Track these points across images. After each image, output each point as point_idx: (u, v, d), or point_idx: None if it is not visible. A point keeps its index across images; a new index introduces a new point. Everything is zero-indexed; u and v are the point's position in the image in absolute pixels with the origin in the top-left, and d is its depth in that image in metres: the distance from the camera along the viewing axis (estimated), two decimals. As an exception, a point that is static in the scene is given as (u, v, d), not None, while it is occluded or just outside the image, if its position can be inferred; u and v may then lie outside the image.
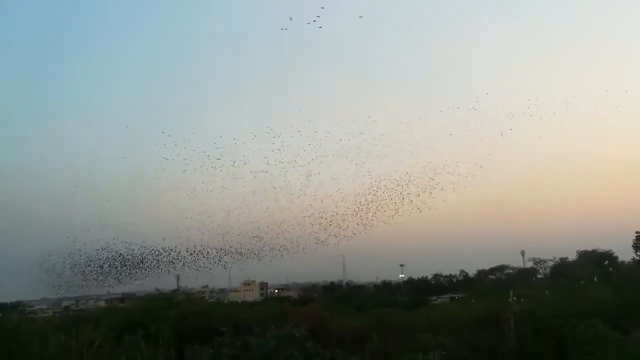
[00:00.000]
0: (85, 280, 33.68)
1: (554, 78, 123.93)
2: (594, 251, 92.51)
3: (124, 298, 53.29)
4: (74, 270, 33.68)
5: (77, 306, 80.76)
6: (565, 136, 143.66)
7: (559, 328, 20.06)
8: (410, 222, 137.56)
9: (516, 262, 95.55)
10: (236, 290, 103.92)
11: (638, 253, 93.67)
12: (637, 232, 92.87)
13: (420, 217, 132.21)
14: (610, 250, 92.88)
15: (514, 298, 23.65)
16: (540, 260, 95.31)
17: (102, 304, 62.69)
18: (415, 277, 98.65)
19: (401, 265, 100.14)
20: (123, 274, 34.46)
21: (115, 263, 33.87)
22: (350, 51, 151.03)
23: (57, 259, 33.26)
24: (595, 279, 69.48)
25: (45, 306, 79.62)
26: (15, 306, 68.14)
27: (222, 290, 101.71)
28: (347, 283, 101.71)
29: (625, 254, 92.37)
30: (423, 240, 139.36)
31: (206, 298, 63.45)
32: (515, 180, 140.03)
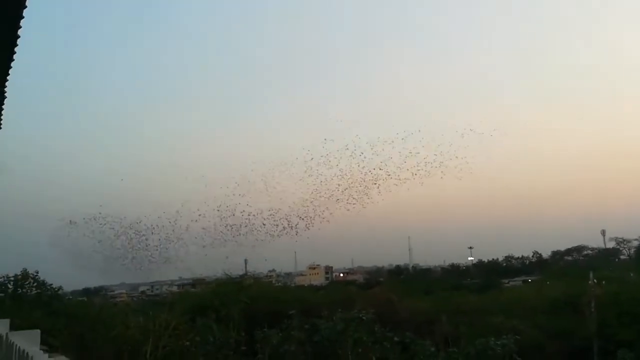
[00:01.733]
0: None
1: None
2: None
3: (194, 283, 55.47)
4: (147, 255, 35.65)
5: (152, 291, 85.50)
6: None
7: (646, 312, 18.74)
8: (479, 204, 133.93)
9: (596, 242, 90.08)
10: (302, 274, 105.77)
11: None
12: None
13: (489, 199, 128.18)
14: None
15: (595, 280, 22.23)
16: (624, 240, 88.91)
17: (174, 288, 65.80)
18: (485, 259, 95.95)
19: (470, 247, 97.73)
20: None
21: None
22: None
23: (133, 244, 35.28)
24: (686, 259, 64.30)
25: (123, 291, 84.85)
26: (98, 291, 73.28)
27: (288, 275, 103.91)
28: (413, 266, 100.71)
29: None
30: (493, 222, 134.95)
31: (273, 282, 64.95)
32: (593, 157, 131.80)
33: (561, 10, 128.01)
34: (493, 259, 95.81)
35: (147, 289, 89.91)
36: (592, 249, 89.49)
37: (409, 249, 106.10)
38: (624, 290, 21.68)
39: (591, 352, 19.23)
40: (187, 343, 16.76)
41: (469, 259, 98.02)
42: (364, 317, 17.09)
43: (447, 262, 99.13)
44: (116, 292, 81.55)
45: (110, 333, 16.14)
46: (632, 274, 36.14)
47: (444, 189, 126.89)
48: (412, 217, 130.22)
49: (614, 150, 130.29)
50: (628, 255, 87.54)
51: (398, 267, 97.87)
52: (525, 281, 62.32)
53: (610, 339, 18.49)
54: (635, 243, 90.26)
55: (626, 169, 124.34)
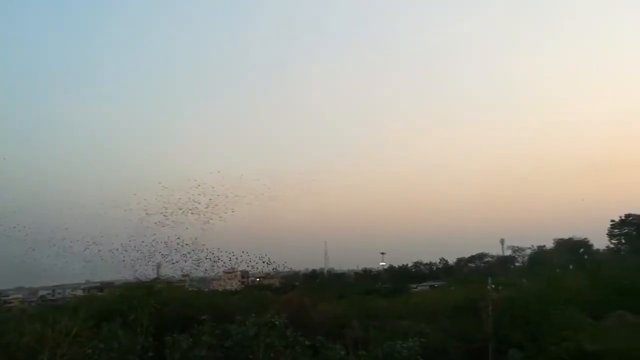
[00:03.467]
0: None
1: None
2: (570, 239, 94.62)
3: (102, 287, 52.56)
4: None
5: (53, 295, 79.60)
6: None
7: (535, 315, 20.43)
8: (392, 212, 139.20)
9: (496, 250, 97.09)
10: (217, 279, 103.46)
11: (612, 241, 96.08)
12: (612, 221, 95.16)
13: (401, 206, 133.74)
14: (586, 239, 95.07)
15: (493, 286, 23.96)
16: (519, 249, 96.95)
17: (79, 292, 61.80)
18: (396, 265, 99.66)
19: (382, 253, 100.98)
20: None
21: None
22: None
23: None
24: (571, 266, 70.97)
25: (20, 295, 78.26)
26: (-11, 295, 66.98)
27: (202, 279, 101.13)
28: (328, 271, 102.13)
29: (601, 242, 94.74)
30: (404, 229, 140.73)
31: (186, 286, 62.95)
32: (495, 170, 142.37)
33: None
34: (403, 265, 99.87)
35: (48, 294, 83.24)
36: (492, 257, 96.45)
37: (325, 254, 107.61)
38: (517, 295, 23.51)
39: (487, 353, 20.57)
40: (89, 350, 15.89)
41: (381, 264, 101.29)
42: (276, 322, 17.16)
43: (361, 267, 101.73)
44: (11, 296, 74.91)
45: (1, 340, 14.91)
46: (525, 280, 39.30)
47: (362, 196, 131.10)
48: (330, 223, 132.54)
49: (514, 163, 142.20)
50: (522, 263, 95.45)
51: (314, 271, 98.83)
52: (432, 286, 65.41)
53: (503, 339, 19.83)
54: (529, 251, 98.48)
55: (524, 181, 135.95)
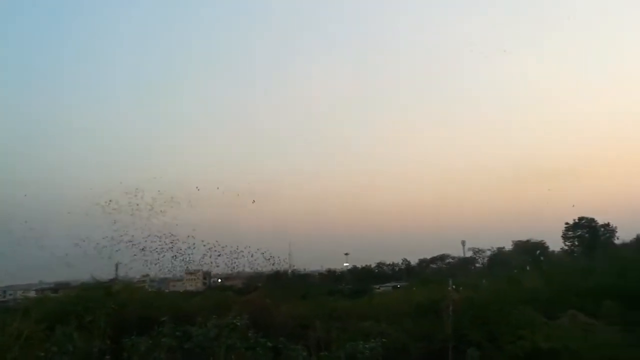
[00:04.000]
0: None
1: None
2: (528, 241, 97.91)
3: (57, 288, 50.78)
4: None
5: (4, 297, 76.33)
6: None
7: (493, 315, 20.94)
8: (357, 212, 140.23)
9: (457, 251, 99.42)
10: (179, 280, 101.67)
11: (567, 243, 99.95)
12: (566, 224, 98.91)
13: (366, 206, 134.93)
14: (542, 241, 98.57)
15: (454, 286, 24.45)
16: (479, 250, 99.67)
17: (32, 294, 59.42)
18: (359, 265, 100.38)
19: (346, 254, 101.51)
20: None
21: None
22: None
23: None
24: (528, 267, 73.37)
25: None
26: None
27: (163, 280, 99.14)
28: (292, 272, 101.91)
29: (556, 244, 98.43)
30: (367, 230, 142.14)
31: (146, 287, 61.56)
32: (456, 174, 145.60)
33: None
34: (366, 265, 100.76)
35: (-3, 295, 79.78)
36: (454, 258, 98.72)
37: (289, 254, 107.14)
38: (477, 295, 24.06)
39: (447, 352, 20.94)
40: (42, 354, 15.27)
41: (345, 264, 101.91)
42: (237, 323, 16.97)
43: (325, 268, 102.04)
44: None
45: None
46: (484, 281, 40.36)
47: (325, 198, 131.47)
48: (295, 224, 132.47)
49: (474, 166, 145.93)
50: (482, 264, 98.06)
51: (277, 272, 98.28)
52: (395, 287, 66.29)
53: (463, 339, 20.21)
54: (489, 253, 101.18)
55: (484, 185, 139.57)
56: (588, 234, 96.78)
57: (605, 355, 16.53)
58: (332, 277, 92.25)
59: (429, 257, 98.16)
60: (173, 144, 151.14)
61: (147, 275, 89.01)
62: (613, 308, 21.59)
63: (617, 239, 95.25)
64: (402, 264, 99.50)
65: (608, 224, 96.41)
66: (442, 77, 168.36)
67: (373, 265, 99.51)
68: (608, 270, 27.15)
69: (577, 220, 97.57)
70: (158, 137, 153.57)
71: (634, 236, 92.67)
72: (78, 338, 16.91)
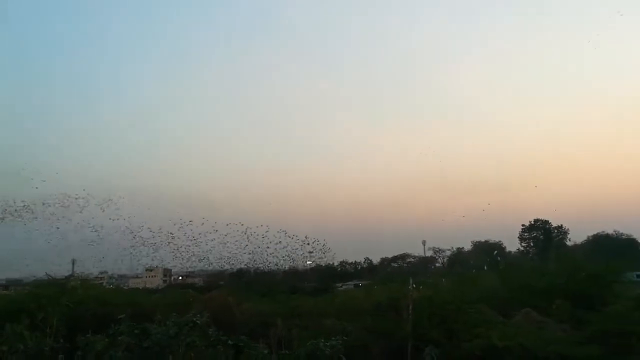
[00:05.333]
0: None
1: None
2: (486, 242, 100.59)
3: (8, 285, 48.79)
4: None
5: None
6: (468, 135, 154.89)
7: (451, 313, 21.41)
8: (319, 209, 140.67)
9: (418, 251, 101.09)
10: (138, 277, 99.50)
11: (523, 244, 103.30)
12: (522, 225, 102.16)
13: (325, 206, 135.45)
14: (500, 241, 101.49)
15: (414, 285, 24.85)
16: (439, 250, 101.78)
17: (-19, 291, 56.88)
18: (322, 264, 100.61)
19: (310, 252, 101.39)
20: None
21: None
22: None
23: None
24: (486, 267, 75.39)
25: None
26: None
27: (122, 277, 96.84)
28: (255, 270, 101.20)
29: (512, 245, 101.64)
30: (330, 228, 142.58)
31: (104, 284, 60.02)
32: (418, 173, 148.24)
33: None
34: (329, 264, 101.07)
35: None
36: (414, 257, 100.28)
37: (252, 252, 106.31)
38: (436, 294, 24.50)
39: (407, 350, 21.27)
40: (-9, 353, 14.69)
41: (308, 262, 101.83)
42: (198, 321, 16.79)
43: (287, 266, 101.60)
44: None
45: None
46: (444, 280, 41.14)
47: (289, 198, 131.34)
48: (257, 223, 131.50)
49: (430, 169, 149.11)
50: (442, 264, 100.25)
51: (240, 270, 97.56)
52: (356, 285, 66.79)
53: (422, 337, 20.56)
54: (448, 252, 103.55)
55: (442, 186, 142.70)
56: (542, 236, 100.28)
57: (555, 351, 17.19)
58: (295, 275, 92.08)
59: (390, 256, 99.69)
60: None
61: (106, 272, 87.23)
62: (564, 307, 22.46)
63: (569, 240, 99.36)
64: (364, 262, 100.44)
65: (561, 226, 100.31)
66: (406, 85, 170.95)
67: (336, 264, 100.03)
68: (559, 270, 28.12)
69: (532, 222, 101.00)
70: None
71: (585, 238, 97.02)
72: (29, 337, 16.38)
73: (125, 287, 66.34)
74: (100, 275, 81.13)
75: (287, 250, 60.74)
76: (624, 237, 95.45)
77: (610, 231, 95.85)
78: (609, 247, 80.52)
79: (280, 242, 60.56)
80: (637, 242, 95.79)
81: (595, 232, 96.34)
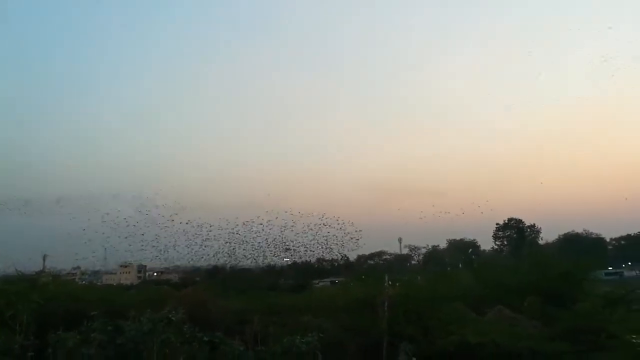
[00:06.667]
0: None
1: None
2: (461, 240, 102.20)
3: (-24, 280, 47.39)
4: None
5: None
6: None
7: (426, 310, 21.69)
8: (297, 207, 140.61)
9: (394, 248, 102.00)
10: (112, 273, 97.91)
11: (497, 242, 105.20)
12: (497, 224, 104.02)
13: (307, 203, 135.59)
14: (474, 240, 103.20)
15: (390, 282, 25.05)
16: (415, 247, 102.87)
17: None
18: (299, 260, 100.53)
19: (287, 249, 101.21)
20: None
21: None
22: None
23: None
24: (461, 265, 76.50)
25: None
26: None
27: (95, 273, 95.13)
28: (231, 266, 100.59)
29: (487, 244, 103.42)
30: (310, 225, 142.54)
31: (77, 280, 58.86)
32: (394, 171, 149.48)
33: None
34: (307, 261, 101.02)
35: None
36: (391, 254, 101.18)
37: (231, 249, 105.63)
38: (411, 291, 24.77)
39: (382, 346, 21.45)
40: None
41: (285, 259, 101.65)
42: (173, 318, 16.60)
43: (265, 263, 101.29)
44: None
45: None
46: (419, 277, 41.56)
47: (269, 190, 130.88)
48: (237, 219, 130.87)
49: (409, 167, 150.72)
50: (417, 261, 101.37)
51: (216, 267, 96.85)
52: (333, 282, 66.97)
53: (397, 334, 20.76)
54: (424, 250, 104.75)
55: (419, 185, 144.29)
56: (516, 234, 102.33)
57: (526, 347, 17.59)
58: (272, 272, 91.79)
59: (367, 253, 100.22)
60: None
61: (78, 267, 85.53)
62: (535, 303, 22.99)
63: (542, 239, 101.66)
64: (341, 259, 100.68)
65: (534, 225, 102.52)
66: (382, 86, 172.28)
67: (313, 261, 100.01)
68: (531, 268, 28.73)
69: (506, 221, 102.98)
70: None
71: (556, 237, 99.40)
72: (-3, 334, 15.97)
73: (98, 283, 65.25)
74: (72, 271, 79.64)
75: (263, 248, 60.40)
76: (593, 236, 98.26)
77: (580, 230, 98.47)
78: (578, 246, 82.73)
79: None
80: (605, 241, 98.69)
81: (566, 231, 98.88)
